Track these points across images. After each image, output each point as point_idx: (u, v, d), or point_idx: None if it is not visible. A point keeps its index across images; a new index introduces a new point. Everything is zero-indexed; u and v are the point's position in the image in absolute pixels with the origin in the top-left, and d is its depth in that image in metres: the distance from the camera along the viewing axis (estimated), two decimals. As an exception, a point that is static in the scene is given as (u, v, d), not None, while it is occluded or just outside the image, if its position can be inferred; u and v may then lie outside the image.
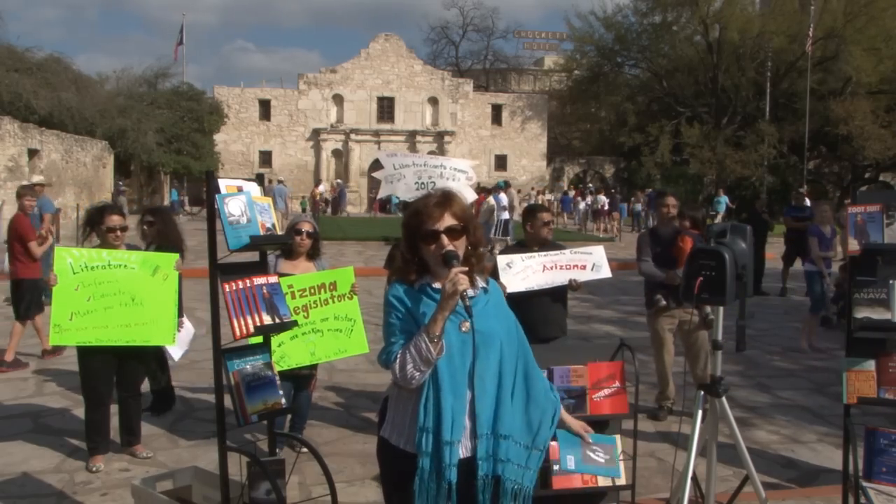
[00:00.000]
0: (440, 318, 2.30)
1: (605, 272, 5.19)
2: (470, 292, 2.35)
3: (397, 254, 2.58)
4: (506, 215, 18.29)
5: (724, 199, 27.97)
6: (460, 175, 5.37)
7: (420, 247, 2.43)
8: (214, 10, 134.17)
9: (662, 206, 6.17)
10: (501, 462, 2.41)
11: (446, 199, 2.44)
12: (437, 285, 2.43)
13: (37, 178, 9.06)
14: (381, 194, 5.28)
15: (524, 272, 4.85)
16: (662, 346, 6.15)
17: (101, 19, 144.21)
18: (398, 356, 2.36)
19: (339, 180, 42.23)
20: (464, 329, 2.36)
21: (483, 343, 2.38)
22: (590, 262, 5.15)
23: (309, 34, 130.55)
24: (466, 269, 2.35)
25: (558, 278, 5.06)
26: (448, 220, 2.40)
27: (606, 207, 28.44)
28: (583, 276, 5.13)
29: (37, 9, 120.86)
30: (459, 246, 2.41)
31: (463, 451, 2.40)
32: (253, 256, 3.68)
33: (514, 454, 2.44)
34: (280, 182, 33.44)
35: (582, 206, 31.61)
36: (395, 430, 2.50)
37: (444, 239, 2.38)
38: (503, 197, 18.89)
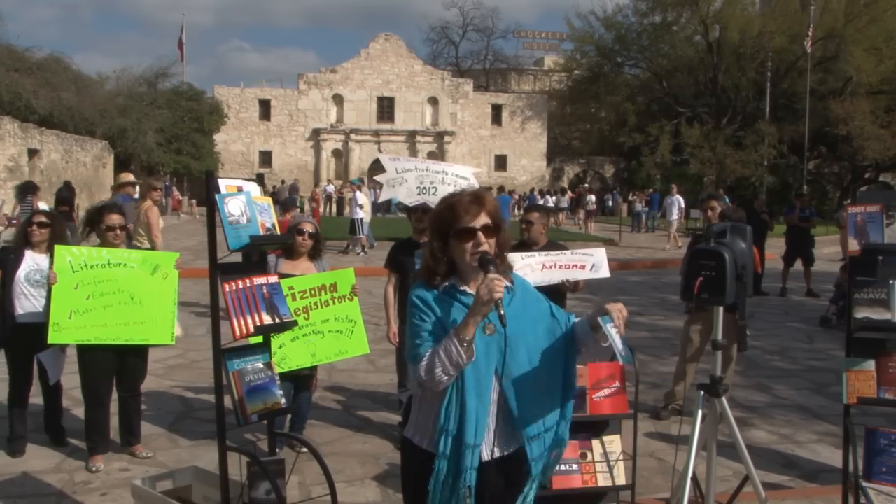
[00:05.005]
0: (472, 322, 2.24)
1: (604, 272, 5.18)
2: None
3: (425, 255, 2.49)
4: (359, 214, 18.33)
5: (724, 200, 28.03)
6: (462, 181, 5.36)
7: (452, 244, 2.38)
8: (209, 11, 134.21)
9: (707, 208, 6.34)
10: (543, 459, 2.44)
11: (481, 196, 2.40)
12: (467, 289, 2.39)
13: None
14: (383, 197, 5.27)
15: (523, 270, 4.84)
16: (688, 346, 6.09)
17: (95, 19, 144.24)
18: (426, 359, 2.29)
19: (284, 180, 39.62)
20: (488, 332, 2.31)
21: (510, 345, 2.34)
22: (589, 263, 5.15)
23: (305, 34, 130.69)
24: (500, 277, 2.28)
25: (556, 277, 5.06)
26: (483, 219, 2.35)
27: (593, 207, 29.55)
28: (581, 276, 5.13)
29: (32, 8, 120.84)
30: (491, 246, 2.36)
31: (486, 453, 2.36)
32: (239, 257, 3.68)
33: (545, 445, 2.45)
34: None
35: (550, 203, 32.20)
36: (418, 431, 2.45)
37: (482, 236, 2.34)
38: (358, 195, 18.96)
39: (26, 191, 14.69)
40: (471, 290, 2.39)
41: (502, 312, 2.22)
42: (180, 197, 33.67)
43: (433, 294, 2.38)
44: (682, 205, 22.91)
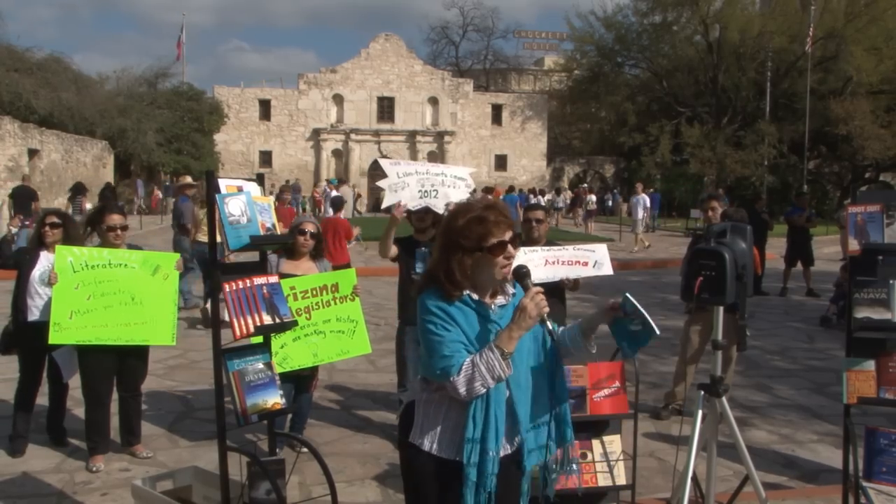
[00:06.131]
0: (517, 336, 2.29)
1: (607, 269, 5.16)
2: (500, 300, 2.42)
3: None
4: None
5: (724, 200, 28.01)
6: (460, 183, 5.35)
7: (479, 257, 2.36)
8: (208, 10, 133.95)
9: (707, 209, 6.33)
10: (541, 448, 2.50)
11: (503, 207, 2.42)
12: (483, 300, 2.41)
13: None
14: (386, 203, 5.26)
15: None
16: (688, 346, 6.08)
17: (94, 19, 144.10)
18: (463, 371, 2.29)
19: (288, 180, 37.53)
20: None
21: (516, 349, 2.37)
22: (591, 259, 5.12)
23: (304, 34, 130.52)
24: (542, 289, 2.34)
25: (560, 273, 5.04)
26: (510, 230, 2.38)
27: (593, 207, 29.78)
28: (584, 273, 5.11)
29: (31, 8, 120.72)
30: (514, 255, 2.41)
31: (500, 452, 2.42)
32: (253, 256, 3.69)
33: (545, 434, 2.52)
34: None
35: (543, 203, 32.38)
36: (426, 436, 2.44)
37: (511, 249, 2.37)
38: (334, 194, 18.97)
39: (77, 192, 15.57)
40: (484, 300, 2.42)
41: (551, 328, 2.31)
42: (161, 196, 33.29)
43: (452, 305, 2.37)
44: (648, 204, 22.86)
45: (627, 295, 2.58)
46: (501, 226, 2.36)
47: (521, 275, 2.38)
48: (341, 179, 27.34)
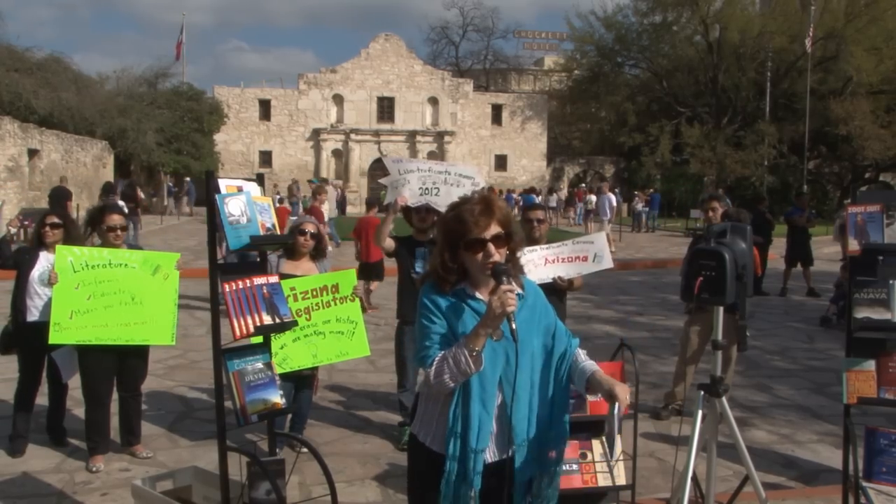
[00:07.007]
0: (483, 334, 2.24)
1: (608, 262, 5.13)
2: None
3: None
4: None
5: (725, 200, 27.94)
6: (465, 181, 5.30)
7: (462, 254, 2.36)
8: (207, 10, 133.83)
9: (708, 209, 6.39)
10: (537, 463, 2.45)
11: (490, 204, 2.36)
12: (479, 295, 2.40)
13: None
14: (387, 199, 5.26)
15: (526, 266, 4.78)
16: (688, 346, 6.08)
17: (93, 19, 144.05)
18: (434, 363, 2.30)
19: (294, 180, 35.65)
20: (495, 338, 2.31)
21: (517, 354, 2.35)
22: (591, 252, 5.09)
23: (303, 34, 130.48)
24: (516, 288, 2.30)
25: (560, 271, 5.02)
26: (494, 229, 2.33)
27: (593, 206, 29.55)
28: (585, 269, 5.08)
29: (31, 8, 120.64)
30: (502, 254, 2.36)
31: (489, 455, 2.38)
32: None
33: (545, 449, 2.47)
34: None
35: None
36: (423, 428, 2.48)
37: (492, 248, 2.32)
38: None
39: (107, 191, 16.13)
40: (481, 295, 2.40)
41: (514, 326, 2.23)
42: (142, 196, 32.94)
43: (444, 298, 2.38)
44: (614, 203, 22.78)
45: (615, 414, 2.37)
46: (481, 223, 2.32)
47: (497, 272, 2.30)
48: (324, 179, 27.09)
